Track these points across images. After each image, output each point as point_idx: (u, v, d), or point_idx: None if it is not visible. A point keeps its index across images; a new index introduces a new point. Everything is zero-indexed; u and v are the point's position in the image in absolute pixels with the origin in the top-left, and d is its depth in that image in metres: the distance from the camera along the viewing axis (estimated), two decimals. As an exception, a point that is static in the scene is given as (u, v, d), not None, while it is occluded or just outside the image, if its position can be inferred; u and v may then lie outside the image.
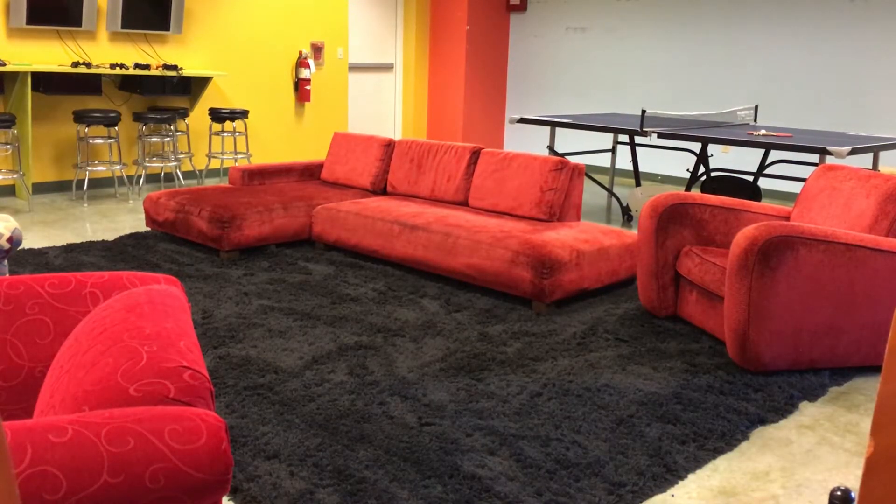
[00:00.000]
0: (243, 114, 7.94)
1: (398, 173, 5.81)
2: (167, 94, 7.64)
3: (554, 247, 4.36)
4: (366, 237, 5.17)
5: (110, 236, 5.74)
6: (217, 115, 7.87)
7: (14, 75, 6.69)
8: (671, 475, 2.70)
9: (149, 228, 5.94)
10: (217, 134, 8.07)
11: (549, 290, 4.29)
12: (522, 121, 7.28)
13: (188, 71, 7.61)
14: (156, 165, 7.71)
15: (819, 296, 3.49)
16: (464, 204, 5.42)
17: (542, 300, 4.30)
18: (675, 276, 4.20)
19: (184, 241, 5.60)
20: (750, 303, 3.43)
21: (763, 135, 6.24)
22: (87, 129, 6.97)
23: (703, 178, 7.46)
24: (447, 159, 5.55)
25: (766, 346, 3.49)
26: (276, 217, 5.37)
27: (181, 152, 7.84)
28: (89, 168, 7.09)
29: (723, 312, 3.81)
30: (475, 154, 5.45)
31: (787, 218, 4.29)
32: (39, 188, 7.18)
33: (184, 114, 7.65)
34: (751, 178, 8.58)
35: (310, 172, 6.47)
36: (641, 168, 9.53)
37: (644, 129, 6.46)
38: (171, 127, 7.55)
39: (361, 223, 5.19)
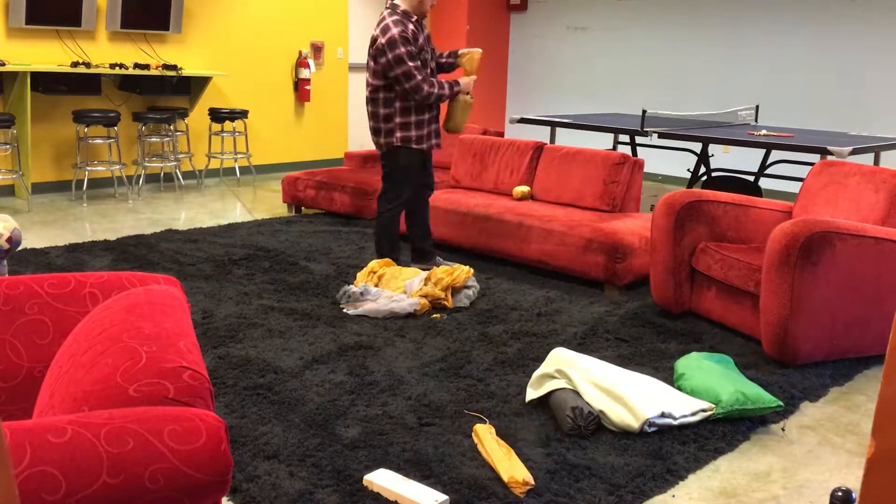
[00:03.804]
0: (243, 114, 7.94)
1: (461, 168, 6.12)
2: (167, 94, 7.64)
3: (624, 234, 4.69)
4: (437, 227, 5.47)
5: (110, 236, 5.73)
6: (217, 115, 7.87)
7: (13, 75, 6.68)
8: (672, 476, 2.69)
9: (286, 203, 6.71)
10: (217, 134, 8.06)
11: (622, 274, 4.63)
12: (523, 121, 7.28)
13: (188, 71, 7.61)
14: (155, 165, 7.71)
15: (852, 288, 3.58)
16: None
17: (615, 283, 4.65)
18: (690, 271, 4.22)
19: (184, 240, 5.60)
20: (792, 298, 3.49)
21: (764, 135, 6.23)
22: (86, 129, 6.97)
23: (704, 177, 7.45)
24: (510, 154, 5.85)
25: (805, 339, 3.56)
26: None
27: (181, 152, 7.83)
28: (89, 168, 7.08)
29: (747, 307, 3.88)
30: (538, 149, 5.78)
31: (790, 213, 4.32)
32: (39, 188, 7.18)
33: (183, 114, 7.65)
34: (752, 178, 8.58)
35: None
36: (641, 168, 9.51)
37: (645, 129, 6.46)
38: (171, 127, 7.55)
39: (432, 214, 5.50)
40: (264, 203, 7.22)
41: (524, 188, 5.57)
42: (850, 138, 6.23)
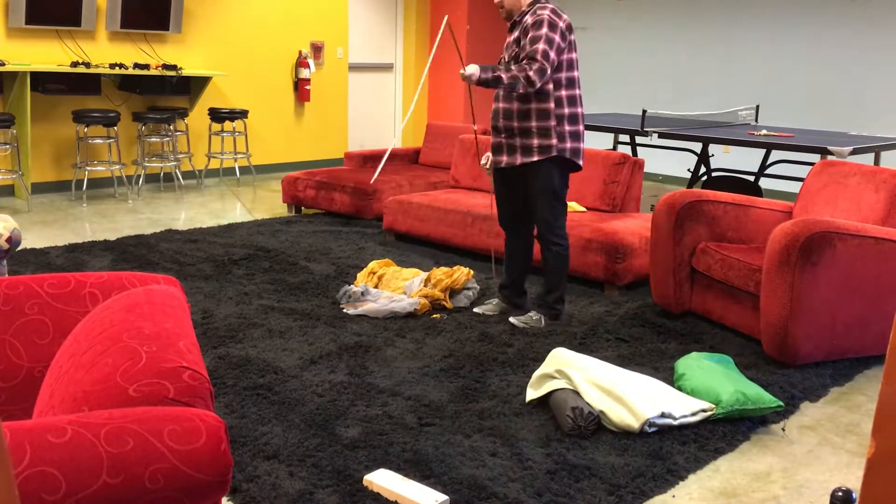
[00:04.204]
0: (243, 114, 7.94)
1: (461, 168, 6.13)
2: (166, 94, 7.63)
3: (624, 234, 4.68)
4: (438, 227, 5.45)
5: (110, 236, 5.73)
6: (217, 115, 7.86)
7: (13, 75, 6.68)
8: (672, 476, 2.69)
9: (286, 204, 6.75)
10: (217, 134, 8.06)
11: (622, 274, 4.62)
12: (522, 121, 7.27)
13: (188, 71, 7.61)
14: (155, 165, 7.71)
15: (852, 288, 3.58)
16: None
17: (615, 283, 4.63)
18: (690, 271, 4.22)
19: (184, 240, 5.59)
20: (792, 298, 3.50)
21: (764, 135, 6.23)
22: (86, 129, 6.97)
23: (704, 177, 7.45)
24: None
25: (805, 340, 3.56)
26: (404, 191, 6.41)
27: (181, 152, 7.83)
28: (88, 168, 7.08)
29: (747, 307, 3.88)
30: None
31: (790, 213, 4.32)
32: (38, 188, 7.18)
33: (183, 114, 7.65)
34: (752, 178, 8.58)
35: (409, 157, 7.44)
36: (641, 168, 9.51)
37: (645, 129, 6.46)
38: (171, 127, 7.55)
39: (433, 214, 5.47)
40: (264, 203, 7.22)
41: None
42: (850, 138, 6.23)
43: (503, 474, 2.65)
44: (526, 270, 4.24)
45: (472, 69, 3.68)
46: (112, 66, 7.10)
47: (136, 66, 7.22)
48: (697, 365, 3.29)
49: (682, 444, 2.90)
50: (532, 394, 3.17)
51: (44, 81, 6.80)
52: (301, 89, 8.89)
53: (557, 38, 3.76)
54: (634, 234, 4.72)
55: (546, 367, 3.19)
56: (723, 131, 6.55)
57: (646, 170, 9.49)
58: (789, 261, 3.48)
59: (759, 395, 3.06)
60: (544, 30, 3.74)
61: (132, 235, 5.71)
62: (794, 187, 8.35)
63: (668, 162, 9.22)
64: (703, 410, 3.05)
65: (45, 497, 1.22)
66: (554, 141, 3.84)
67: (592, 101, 10.01)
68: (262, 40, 8.57)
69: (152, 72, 7.23)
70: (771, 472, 2.77)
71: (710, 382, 3.13)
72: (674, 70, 9.26)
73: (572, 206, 5.26)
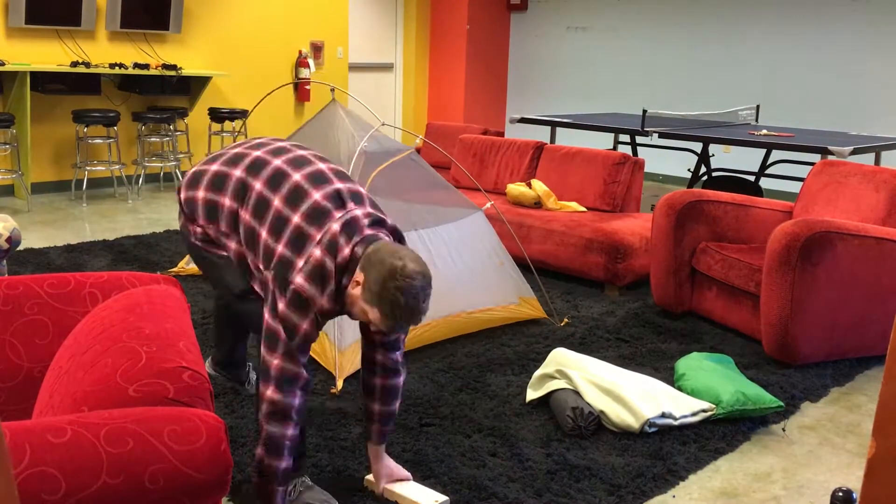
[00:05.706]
0: (243, 113, 7.94)
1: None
2: (166, 94, 7.63)
3: (624, 234, 4.67)
4: None
5: (110, 236, 5.73)
6: (216, 115, 7.86)
7: (13, 75, 6.68)
8: (672, 476, 2.69)
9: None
10: (216, 134, 8.06)
11: (622, 274, 4.62)
12: (523, 121, 7.27)
13: (187, 71, 7.60)
14: (155, 165, 7.70)
15: (853, 288, 3.58)
16: None
17: (615, 283, 4.64)
18: (690, 271, 4.22)
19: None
20: (793, 298, 3.50)
21: (764, 134, 6.23)
22: (86, 129, 6.97)
23: (705, 177, 7.45)
24: (510, 154, 5.85)
25: (805, 340, 3.56)
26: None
27: (180, 152, 7.83)
28: (88, 168, 7.08)
29: (748, 307, 3.89)
30: (538, 149, 5.75)
31: (790, 213, 4.32)
32: (38, 188, 7.18)
33: (183, 114, 7.64)
34: (752, 178, 8.58)
35: None
36: (642, 168, 9.51)
37: (645, 129, 6.46)
38: (171, 127, 7.54)
39: None
40: (264, 203, 7.21)
41: (524, 189, 5.37)
42: (851, 138, 6.23)
43: (503, 474, 2.64)
44: None
45: None
46: (112, 65, 7.10)
47: (136, 65, 7.22)
48: (698, 365, 3.29)
49: (683, 444, 2.90)
50: (532, 394, 3.17)
51: (44, 81, 6.80)
52: (301, 89, 8.89)
53: None
54: (635, 234, 4.72)
55: (546, 367, 3.19)
56: (723, 131, 6.55)
57: (646, 170, 9.49)
58: (790, 261, 3.48)
59: (759, 396, 3.06)
60: None
61: (132, 235, 5.71)
62: (795, 187, 8.35)
63: (669, 162, 9.22)
64: (704, 410, 3.05)
65: (45, 497, 1.22)
66: None
67: (593, 101, 10.02)
68: (262, 40, 8.57)
69: (152, 72, 7.22)
70: (771, 473, 2.76)
71: (710, 382, 3.13)
72: (674, 70, 9.26)
73: (572, 205, 5.26)
